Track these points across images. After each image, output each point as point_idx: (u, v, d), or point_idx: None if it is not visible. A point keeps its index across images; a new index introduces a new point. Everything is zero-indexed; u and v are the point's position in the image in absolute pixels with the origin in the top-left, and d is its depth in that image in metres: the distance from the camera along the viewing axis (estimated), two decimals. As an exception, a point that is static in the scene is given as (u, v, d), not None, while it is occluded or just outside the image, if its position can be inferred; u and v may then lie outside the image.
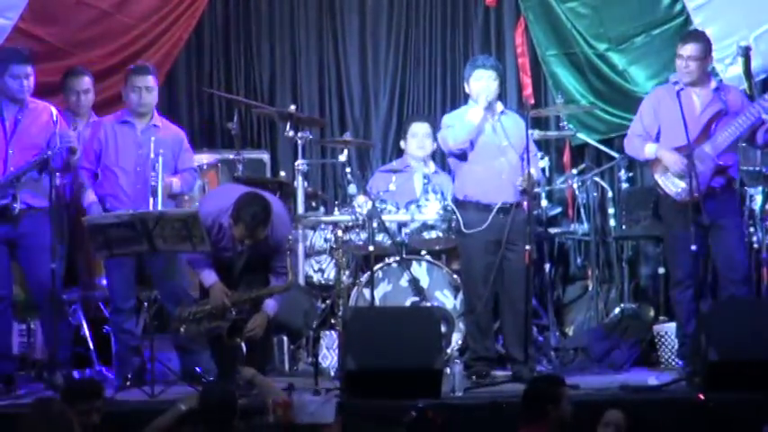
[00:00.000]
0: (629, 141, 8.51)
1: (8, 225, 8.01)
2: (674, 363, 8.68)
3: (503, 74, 8.75)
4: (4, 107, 8.12)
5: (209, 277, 7.92)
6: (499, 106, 8.51)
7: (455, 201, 8.55)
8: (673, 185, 8.22)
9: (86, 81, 8.80)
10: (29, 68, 8.11)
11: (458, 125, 8.39)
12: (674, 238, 8.28)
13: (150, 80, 8.40)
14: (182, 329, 7.91)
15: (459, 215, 8.45)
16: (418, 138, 9.39)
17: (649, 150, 8.32)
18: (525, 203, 8.33)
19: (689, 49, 8.30)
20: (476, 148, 8.38)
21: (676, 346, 8.63)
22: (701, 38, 8.41)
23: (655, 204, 8.49)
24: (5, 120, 8.10)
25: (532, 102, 9.62)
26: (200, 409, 6.39)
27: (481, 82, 8.39)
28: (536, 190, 8.96)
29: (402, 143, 9.57)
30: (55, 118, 8.06)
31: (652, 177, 8.42)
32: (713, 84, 8.36)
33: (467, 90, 8.50)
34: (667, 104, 8.29)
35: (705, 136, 8.20)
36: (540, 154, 9.05)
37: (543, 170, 9.29)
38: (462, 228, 8.41)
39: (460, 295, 8.72)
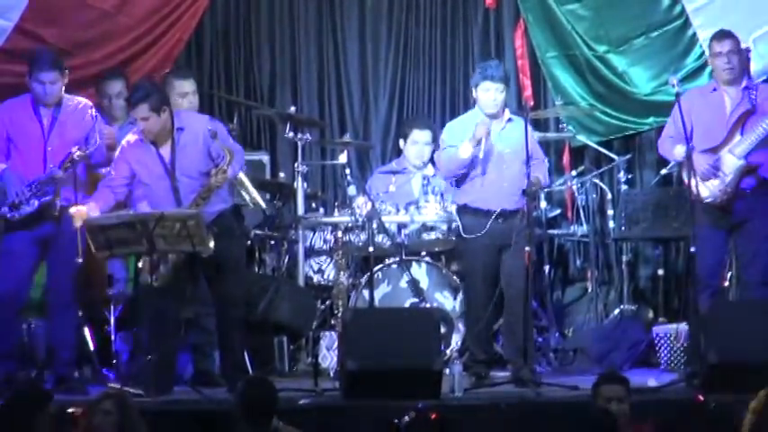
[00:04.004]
0: (662, 143, 8.44)
1: (51, 223, 8.03)
2: (673, 364, 8.69)
3: (509, 81, 8.53)
4: (40, 106, 8.14)
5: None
6: (506, 113, 8.41)
7: (456, 206, 8.52)
8: (702, 187, 8.16)
9: (119, 84, 8.85)
10: (53, 74, 8.07)
11: (451, 152, 8.27)
12: (700, 239, 8.14)
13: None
14: (151, 281, 7.79)
15: (459, 220, 8.43)
16: (418, 146, 9.39)
17: (680, 151, 8.23)
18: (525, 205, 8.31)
19: (728, 45, 8.24)
20: (476, 159, 8.28)
21: (676, 347, 8.63)
22: (732, 33, 8.35)
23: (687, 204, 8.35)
24: (42, 117, 8.12)
25: (532, 103, 9.60)
26: (241, 404, 6.28)
27: (488, 94, 8.26)
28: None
29: (401, 142, 9.58)
30: (93, 114, 8.10)
31: (680, 177, 8.31)
32: (744, 82, 8.29)
33: (474, 95, 8.41)
34: (699, 106, 8.22)
35: (734, 137, 8.15)
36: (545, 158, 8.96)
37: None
38: (462, 233, 8.39)
39: (460, 296, 8.73)
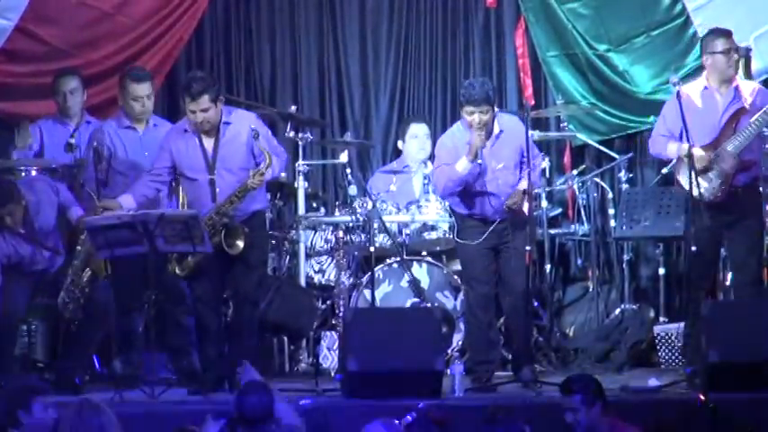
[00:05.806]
0: (654, 141, 8.37)
1: None
2: (674, 364, 8.68)
3: (493, 100, 8.12)
4: None
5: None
6: (496, 128, 8.16)
7: (452, 209, 8.44)
8: (699, 183, 8.12)
9: (73, 81, 8.76)
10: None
11: (446, 170, 8.10)
12: (697, 238, 8.14)
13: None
14: (177, 270, 7.86)
15: (456, 223, 8.35)
16: (419, 139, 9.39)
17: (672, 149, 8.20)
18: (525, 206, 8.25)
19: (730, 42, 8.20)
20: (473, 175, 8.09)
21: (677, 347, 8.63)
22: (730, 31, 8.32)
23: (685, 202, 8.34)
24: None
25: (533, 103, 9.62)
26: (238, 409, 6.25)
27: (473, 117, 8.01)
28: (536, 191, 8.89)
29: (400, 143, 9.57)
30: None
31: (674, 178, 8.31)
32: (735, 82, 8.27)
33: (461, 114, 8.17)
34: (690, 104, 8.20)
35: (727, 135, 8.14)
36: (541, 155, 8.86)
37: (543, 171, 9.16)
38: (456, 236, 8.30)
39: (461, 296, 8.72)
